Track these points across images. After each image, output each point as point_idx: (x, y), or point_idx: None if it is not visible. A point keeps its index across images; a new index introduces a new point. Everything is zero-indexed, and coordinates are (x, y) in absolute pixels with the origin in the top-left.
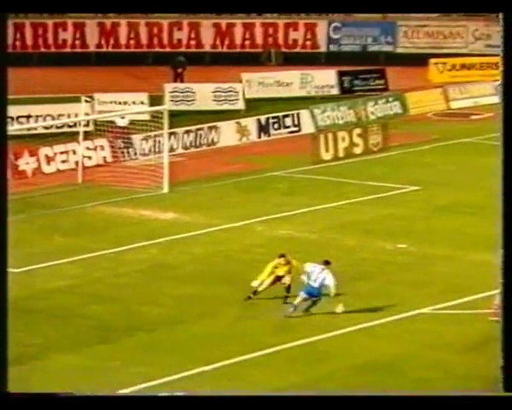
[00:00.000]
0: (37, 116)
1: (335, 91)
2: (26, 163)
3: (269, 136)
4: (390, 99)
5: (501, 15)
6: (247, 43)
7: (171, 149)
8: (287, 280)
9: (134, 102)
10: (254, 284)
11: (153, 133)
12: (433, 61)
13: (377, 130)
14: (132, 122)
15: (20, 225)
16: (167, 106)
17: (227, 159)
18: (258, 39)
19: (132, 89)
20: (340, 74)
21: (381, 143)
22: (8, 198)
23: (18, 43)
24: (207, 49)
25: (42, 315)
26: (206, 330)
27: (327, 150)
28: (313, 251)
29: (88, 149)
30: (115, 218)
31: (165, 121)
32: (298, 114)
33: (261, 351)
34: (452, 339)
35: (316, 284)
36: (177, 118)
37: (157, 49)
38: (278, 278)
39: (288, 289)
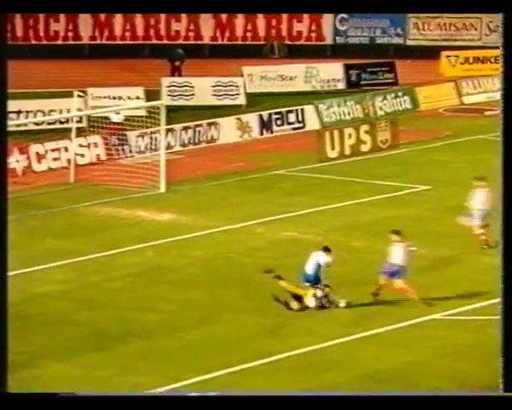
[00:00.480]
0: (27, 112)
1: (342, 86)
2: (16, 161)
3: (271, 132)
4: (399, 94)
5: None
6: (248, 35)
7: (169, 147)
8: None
9: (129, 97)
10: (282, 284)
11: (149, 130)
12: (445, 53)
13: (386, 126)
14: (127, 118)
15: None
16: (164, 101)
17: (227, 157)
18: (261, 31)
19: (128, 83)
20: (347, 68)
21: (390, 140)
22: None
23: (8, 34)
24: (207, 41)
25: (32, 321)
26: (205, 338)
27: (333, 148)
28: None
29: (81, 146)
30: (109, 219)
31: (162, 117)
32: (302, 109)
33: (264, 359)
34: (466, 347)
35: (310, 271)
36: (174, 114)
37: (154, 42)
38: (297, 297)
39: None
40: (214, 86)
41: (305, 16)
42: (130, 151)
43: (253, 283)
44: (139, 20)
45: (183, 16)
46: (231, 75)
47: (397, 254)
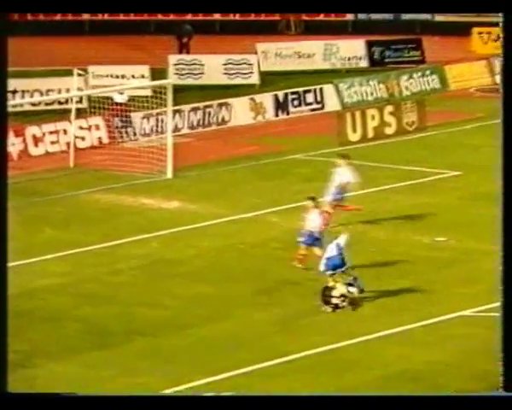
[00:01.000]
0: (23, 91)
1: (364, 64)
2: (12, 144)
3: (287, 114)
4: (427, 72)
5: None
6: None
7: (176, 129)
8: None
9: (133, 76)
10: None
11: (155, 111)
12: (476, 30)
13: (412, 107)
14: (132, 98)
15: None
16: (171, 80)
17: (239, 140)
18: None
19: (132, 61)
20: (370, 44)
21: (417, 122)
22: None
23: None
24: (217, 16)
25: (28, 318)
26: (215, 336)
27: (354, 130)
28: None
29: (81, 128)
30: (112, 207)
31: (169, 97)
32: (321, 89)
33: (278, 359)
34: (498, 346)
35: (333, 253)
36: (182, 93)
37: (160, 17)
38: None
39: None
40: (225, 64)
41: None
42: (135, 134)
43: (267, 276)
44: None
45: None
46: (244, 52)
47: (313, 220)
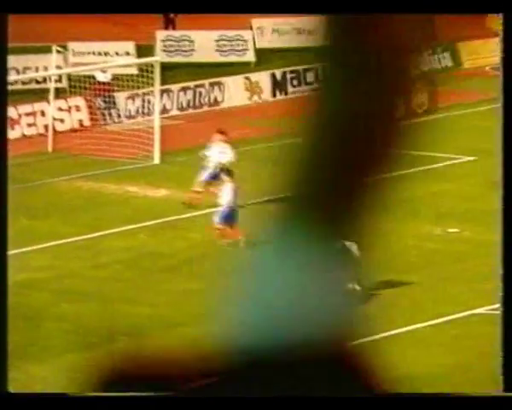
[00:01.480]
0: None
1: None
2: None
3: (286, 94)
4: (438, 49)
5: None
6: None
7: (164, 111)
8: None
9: (117, 53)
10: None
11: (141, 91)
12: None
13: (422, 87)
14: (116, 77)
15: None
16: (159, 57)
17: (233, 123)
18: None
19: (116, 37)
20: None
21: (427, 103)
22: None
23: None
24: None
25: (2, 316)
26: (208, 337)
27: None
28: None
29: (60, 109)
30: (94, 195)
31: (157, 76)
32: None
33: None
34: None
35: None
36: (171, 72)
37: None
38: None
39: None
40: (218, 41)
41: None
42: (119, 116)
43: None
44: None
45: None
46: (238, 28)
47: (227, 195)
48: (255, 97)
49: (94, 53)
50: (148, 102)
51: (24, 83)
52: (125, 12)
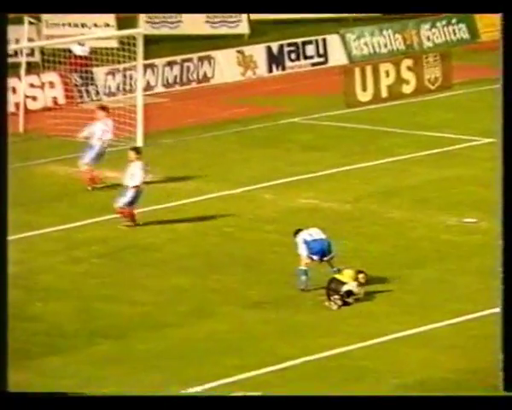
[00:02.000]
0: None
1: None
2: None
3: (283, 69)
4: (453, 21)
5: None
6: None
7: (148, 87)
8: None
9: (96, 25)
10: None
11: (122, 66)
12: None
13: (435, 61)
14: (94, 50)
15: None
16: (142, 29)
17: (225, 100)
18: None
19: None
20: None
21: (441, 79)
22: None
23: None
24: None
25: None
26: (197, 337)
27: (364, 89)
28: (346, 228)
29: (32, 86)
30: (69, 181)
31: (140, 50)
32: (324, 40)
33: (274, 366)
34: None
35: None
36: (155, 45)
37: None
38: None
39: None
40: None
41: None
42: (97, 93)
43: (259, 266)
44: None
45: None
46: None
47: (135, 174)
48: (249, 73)
49: (70, 25)
50: (130, 77)
51: None
52: (124, 12)
